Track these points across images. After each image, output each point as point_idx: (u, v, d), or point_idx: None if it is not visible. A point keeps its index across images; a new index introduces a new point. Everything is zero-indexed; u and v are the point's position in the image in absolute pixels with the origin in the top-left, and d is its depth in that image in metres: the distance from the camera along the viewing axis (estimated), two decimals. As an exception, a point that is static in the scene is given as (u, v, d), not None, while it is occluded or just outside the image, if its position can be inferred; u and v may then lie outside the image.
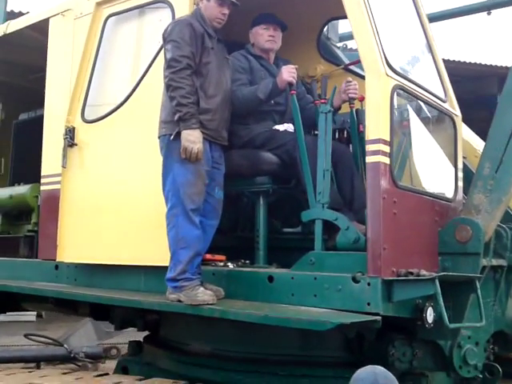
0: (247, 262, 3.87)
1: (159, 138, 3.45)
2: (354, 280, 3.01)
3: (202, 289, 3.22)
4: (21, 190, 5.82)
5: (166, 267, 3.38)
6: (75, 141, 4.35)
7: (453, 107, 3.87)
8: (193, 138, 3.25)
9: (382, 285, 2.93)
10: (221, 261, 3.77)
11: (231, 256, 3.92)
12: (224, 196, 3.66)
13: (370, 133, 3.06)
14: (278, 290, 3.27)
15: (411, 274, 2.99)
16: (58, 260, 4.37)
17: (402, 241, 3.13)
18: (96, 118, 4.29)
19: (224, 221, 4.21)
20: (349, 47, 6.45)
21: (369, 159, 3.05)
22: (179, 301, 3.26)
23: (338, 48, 5.11)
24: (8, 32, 5.27)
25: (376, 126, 3.05)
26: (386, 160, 3.05)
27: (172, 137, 3.32)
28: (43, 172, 4.69)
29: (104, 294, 3.80)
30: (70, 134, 4.36)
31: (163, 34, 3.44)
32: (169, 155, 3.37)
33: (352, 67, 4.60)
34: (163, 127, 3.41)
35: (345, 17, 4.66)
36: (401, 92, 3.34)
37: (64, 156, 4.35)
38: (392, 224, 3.05)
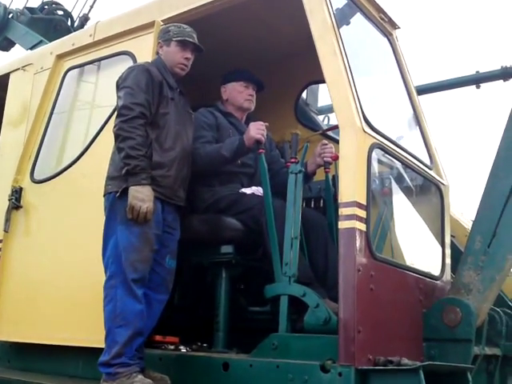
0: (205, 345, 3.36)
1: (104, 196, 3.02)
2: (323, 369, 2.52)
3: (140, 377, 2.70)
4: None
5: (104, 349, 2.87)
6: (21, 203, 3.93)
7: (439, 175, 3.50)
8: (141, 196, 2.83)
9: (355, 375, 2.44)
10: (173, 343, 3.26)
11: (190, 339, 3.42)
12: (183, 267, 3.20)
13: (343, 195, 2.66)
14: (233, 381, 2.76)
15: (391, 362, 2.50)
16: (-9, 337, 3.83)
17: (380, 322, 2.66)
18: (45, 178, 3.89)
19: (183, 297, 3.78)
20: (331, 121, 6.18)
21: (341, 225, 2.63)
22: (112, 390, 2.72)
23: (317, 114, 4.82)
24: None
25: (350, 188, 2.65)
26: (362, 226, 2.63)
27: (118, 194, 2.90)
28: (-16, 237, 4.23)
29: (31, 379, 3.23)
30: (17, 194, 3.94)
31: (117, 81, 3.10)
32: (112, 216, 2.93)
33: (331, 133, 4.28)
34: (109, 184, 3.00)
35: (324, 81, 4.49)
36: (380, 152, 2.97)
37: (7, 219, 3.91)
38: (368, 302, 2.59)
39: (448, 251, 3.38)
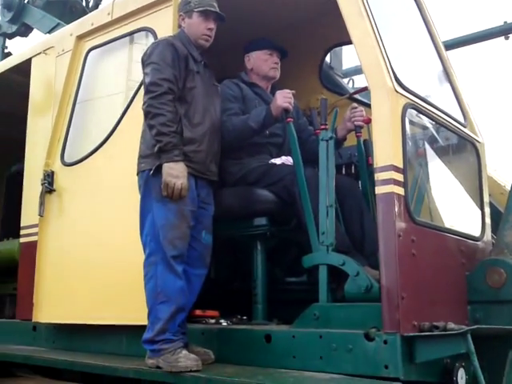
0: (244, 318, 3.35)
1: (137, 175, 3.00)
2: (368, 337, 2.47)
3: (184, 352, 2.70)
4: (8, 244, 5.41)
5: (148, 326, 2.88)
6: (54, 186, 3.94)
7: (474, 133, 3.39)
8: (176, 172, 2.79)
9: (401, 342, 2.39)
10: (213, 317, 3.27)
11: (229, 312, 3.42)
12: (219, 241, 3.18)
13: (379, 159, 2.58)
14: (276, 352, 2.74)
15: (436, 328, 2.44)
16: (34, 320, 3.90)
17: (423, 288, 2.59)
18: (76, 161, 3.89)
19: (220, 270, 3.78)
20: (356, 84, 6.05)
21: (379, 190, 2.55)
22: (158, 367, 2.73)
23: (342, 77, 4.71)
24: (-10, 76, 4.96)
25: (386, 151, 2.57)
26: (400, 190, 2.56)
27: (151, 172, 2.87)
28: (22, 223, 4.28)
29: (76, 359, 3.28)
30: (49, 178, 3.96)
31: (142, 58, 3.04)
32: (147, 193, 2.91)
33: (358, 97, 4.18)
34: (142, 162, 2.97)
35: (347, 42, 4.39)
36: (413, 112, 2.88)
37: (41, 203, 3.94)
38: (411, 267, 2.53)
39: (487, 210, 3.29)
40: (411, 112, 2.88)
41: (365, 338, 2.48)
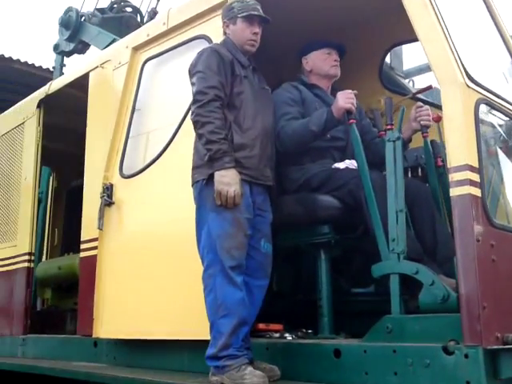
0: (310, 331, 3.21)
1: (192, 186, 2.92)
2: (446, 351, 2.28)
3: (250, 369, 2.57)
4: (69, 259, 5.45)
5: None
6: (113, 199, 3.90)
7: (553, 130, 3.14)
8: (227, 180, 2.71)
9: (484, 356, 2.19)
10: (277, 331, 3.13)
11: (292, 325, 3.28)
12: (281, 250, 3.06)
13: (453, 158, 2.40)
14: (347, 368, 2.58)
15: (523, 340, 2.23)
16: (94, 336, 3.84)
17: (506, 296, 2.38)
18: (134, 173, 3.83)
19: (282, 282, 3.65)
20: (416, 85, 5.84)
21: (454, 192, 2.37)
22: (222, 384, 2.62)
23: (404, 78, 4.53)
24: (50, 92, 5.02)
25: (460, 150, 2.39)
26: (477, 192, 2.37)
27: (204, 182, 2.80)
28: (82, 237, 4.26)
29: (137, 375, 3.19)
30: (108, 191, 3.91)
31: (189, 68, 3.00)
32: (202, 204, 2.83)
33: (421, 96, 3.98)
34: (195, 173, 2.90)
35: (409, 41, 4.21)
36: (484, 109, 2.68)
37: (100, 217, 3.90)
38: (491, 274, 2.33)
39: None
40: (484, 108, 2.69)
41: (443, 351, 2.29)
